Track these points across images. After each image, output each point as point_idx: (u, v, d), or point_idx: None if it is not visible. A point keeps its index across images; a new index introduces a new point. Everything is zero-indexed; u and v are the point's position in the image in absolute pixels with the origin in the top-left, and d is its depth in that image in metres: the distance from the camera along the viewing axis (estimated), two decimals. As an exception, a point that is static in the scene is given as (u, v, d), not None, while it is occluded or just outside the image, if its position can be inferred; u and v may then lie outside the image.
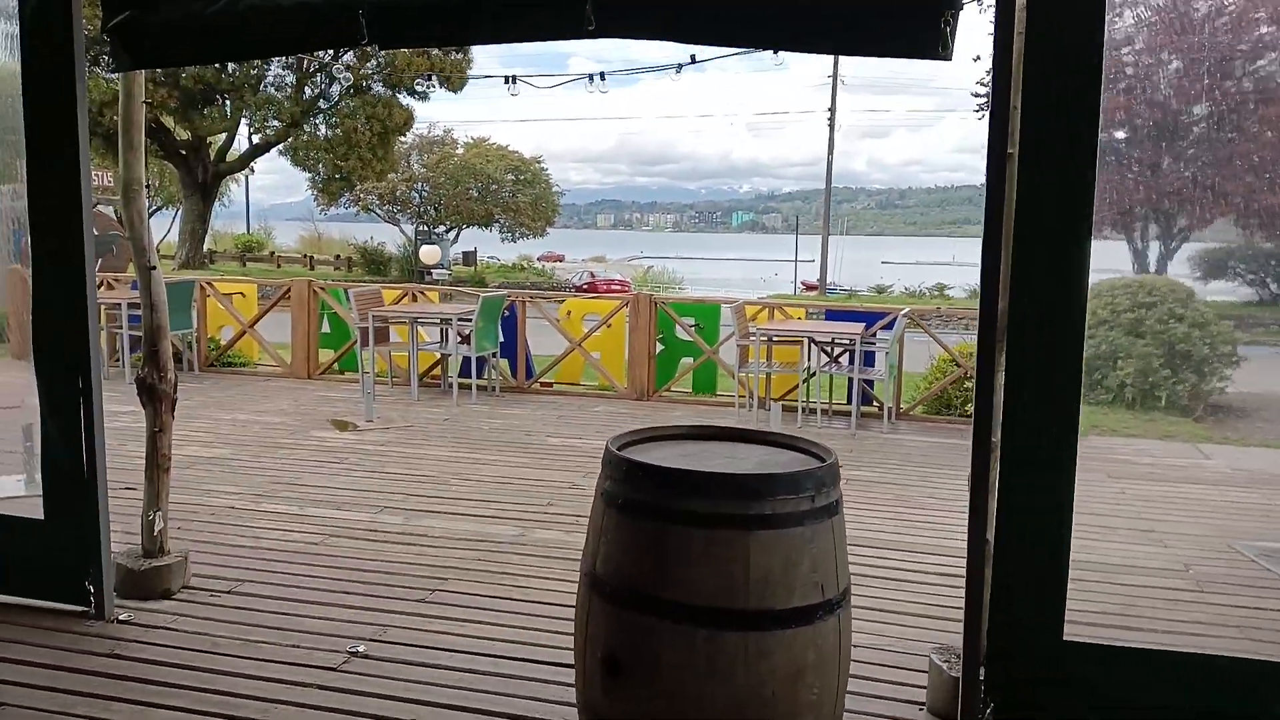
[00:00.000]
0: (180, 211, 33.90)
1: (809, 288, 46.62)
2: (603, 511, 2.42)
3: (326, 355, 10.07)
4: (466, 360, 8.79)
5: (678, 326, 9.02)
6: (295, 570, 4.34)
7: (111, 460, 5.39)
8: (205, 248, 36.45)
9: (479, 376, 9.10)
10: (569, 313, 9.51)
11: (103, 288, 10.26)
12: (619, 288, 39.15)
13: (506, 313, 9.24)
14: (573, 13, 2.93)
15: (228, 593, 4.07)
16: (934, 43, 2.74)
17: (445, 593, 4.12)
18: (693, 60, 7.31)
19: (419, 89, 27.53)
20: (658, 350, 8.96)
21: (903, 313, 7.84)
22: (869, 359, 8.07)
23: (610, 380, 9.09)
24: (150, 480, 4.09)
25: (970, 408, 8.01)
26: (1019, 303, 2.83)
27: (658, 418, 8.16)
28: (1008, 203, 2.82)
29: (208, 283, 10.18)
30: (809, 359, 8.14)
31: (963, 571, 4.37)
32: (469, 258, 41.62)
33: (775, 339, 8.08)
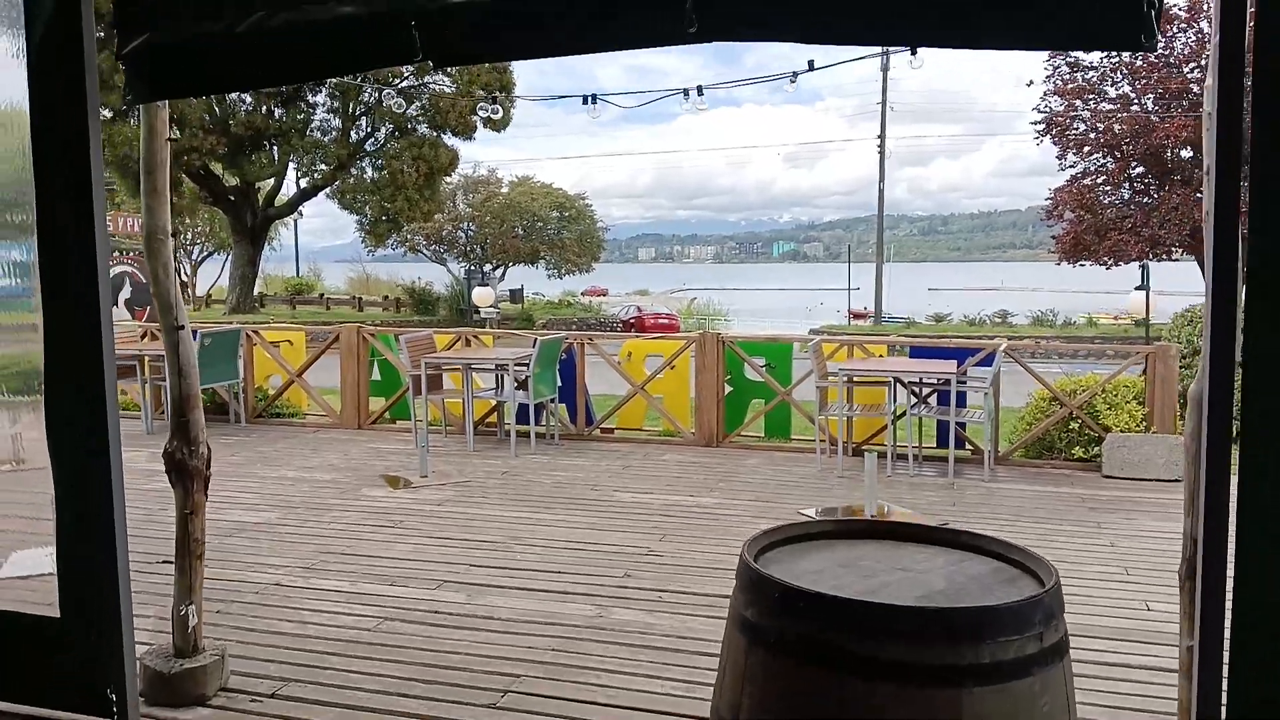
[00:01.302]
0: (230, 257, 34.16)
1: (857, 316, 45.80)
2: (744, 649, 1.82)
3: (377, 403, 9.64)
4: (523, 407, 8.27)
5: (747, 366, 8.43)
6: (347, 666, 3.79)
7: (145, 529, 4.90)
8: (256, 291, 36.71)
9: (537, 423, 8.56)
10: (629, 354, 8.96)
11: (146, 338, 9.95)
12: (666, 321, 38.66)
13: (564, 355, 8.73)
14: (670, 12, 2.39)
15: (271, 696, 3.54)
16: (1135, 31, 2.16)
17: (519, 694, 3.53)
18: (811, 67, 6.75)
19: (484, 114, 27.07)
20: (726, 392, 8.36)
21: (1000, 348, 7.16)
22: (960, 399, 7.39)
23: (676, 425, 8.50)
24: (182, 570, 3.58)
25: (1078, 451, 7.30)
26: (1261, 334, 2.20)
27: (731, 466, 7.55)
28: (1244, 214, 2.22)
29: (254, 331, 9.81)
30: (895, 399, 7.49)
31: (1147, 663, 3.72)
32: (515, 295, 41.44)
33: (857, 379, 7.45)
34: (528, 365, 8.04)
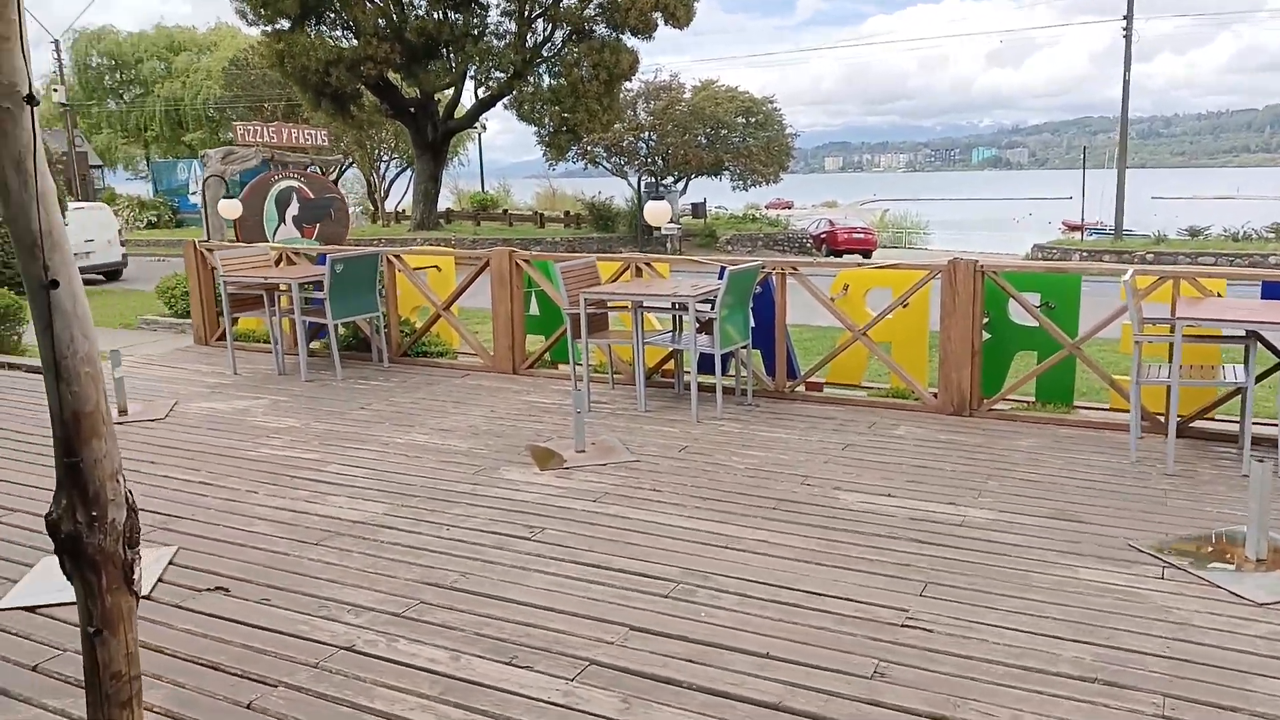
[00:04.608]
0: (414, 172, 33.80)
1: (1071, 228, 40.98)
2: None
3: (536, 342, 8.08)
4: (707, 355, 6.44)
5: (1013, 305, 6.22)
6: None
7: (220, 524, 3.28)
8: (443, 207, 36.44)
9: (724, 374, 6.73)
10: (845, 287, 6.91)
11: (282, 263, 8.76)
12: (861, 236, 35.64)
13: (759, 289, 6.79)
14: None
15: None
16: None
17: None
18: None
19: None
20: (983, 340, 6.21)
21: None
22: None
23: (911, 384, 6.43)
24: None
25: None
26: None
27: (996, 450, 5.45)
28: None
29: (396, 255, 8.40)
30: (1248, 362, 5.13)
31: None
32: (698, 209, 39.40)
33: (1193, 330, 5.13)
34: (713, 303, 6.18)
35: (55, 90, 37.32)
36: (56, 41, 36.56)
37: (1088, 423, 5.89)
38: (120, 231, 22.78)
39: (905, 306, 6.56)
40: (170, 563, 3.97)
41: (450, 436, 5.94)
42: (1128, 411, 5.43)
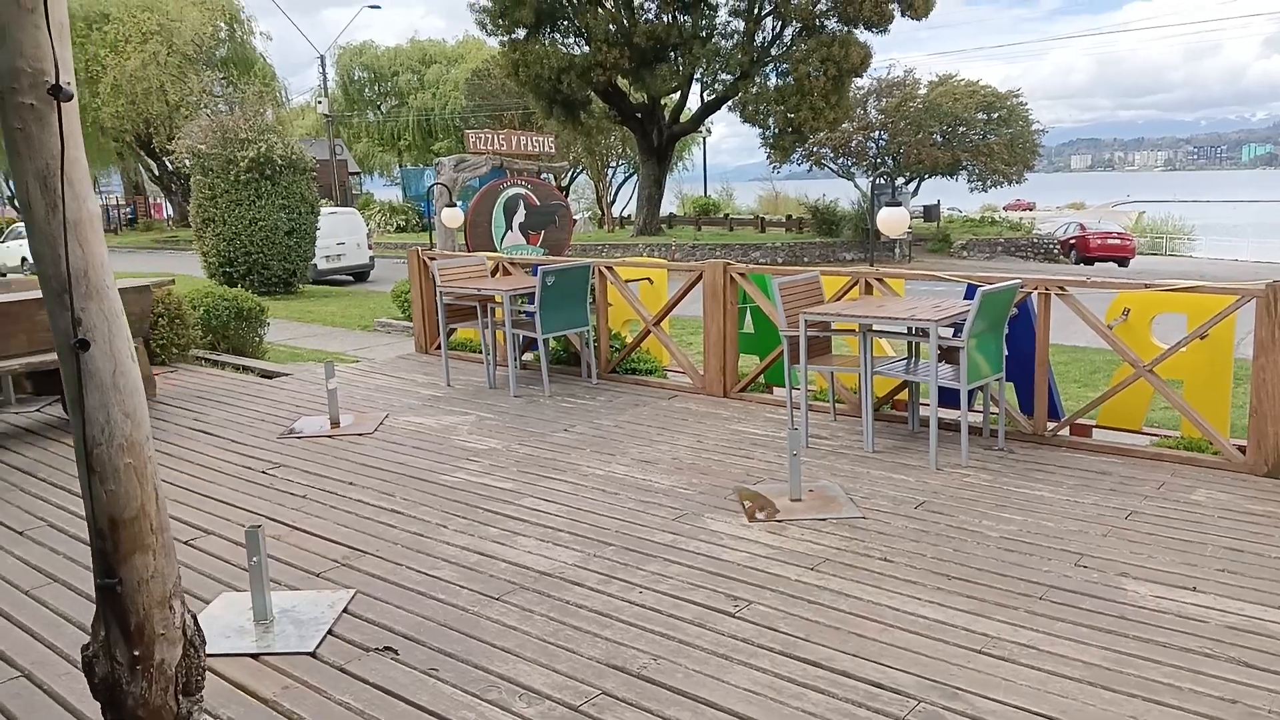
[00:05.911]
0: (638, 177, 34.05)
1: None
2: None
3: (749, 362, 7.44)
4: (948, 389, 5.54)
5: (1354, 343, 4.92)
6: None
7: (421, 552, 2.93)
8: (666, 212, 36.57)
9: (969, 408, 5.80)
10: (1126, 311, 5.78)
11: (497, 274, 8.60)
12: (1117, 242, 32.33)
13: (1015, 311, 5.81)
14: None
15: None
16: None
17: None
18: None
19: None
20: (1311, 386, 4.94)
21: None
22: None
23: (1212, 435, 5.23)
24: None
25: None
26: None
27: (1334, 529, 4.24)
28: None
29: (607, 268, 8.01)
30: None
31: None
32: (930, 212, 37.27)
33: None
34: (959, 328, 5.29)
35: (319, 103, 40.70)
36: (322, 57, 39.82)
37: None
38: (369, 235, 24.32)
39: (1203, 338, 5.37)
40: (345, 610, 3.66)
41: (652, 470, 5.41)
42: None
